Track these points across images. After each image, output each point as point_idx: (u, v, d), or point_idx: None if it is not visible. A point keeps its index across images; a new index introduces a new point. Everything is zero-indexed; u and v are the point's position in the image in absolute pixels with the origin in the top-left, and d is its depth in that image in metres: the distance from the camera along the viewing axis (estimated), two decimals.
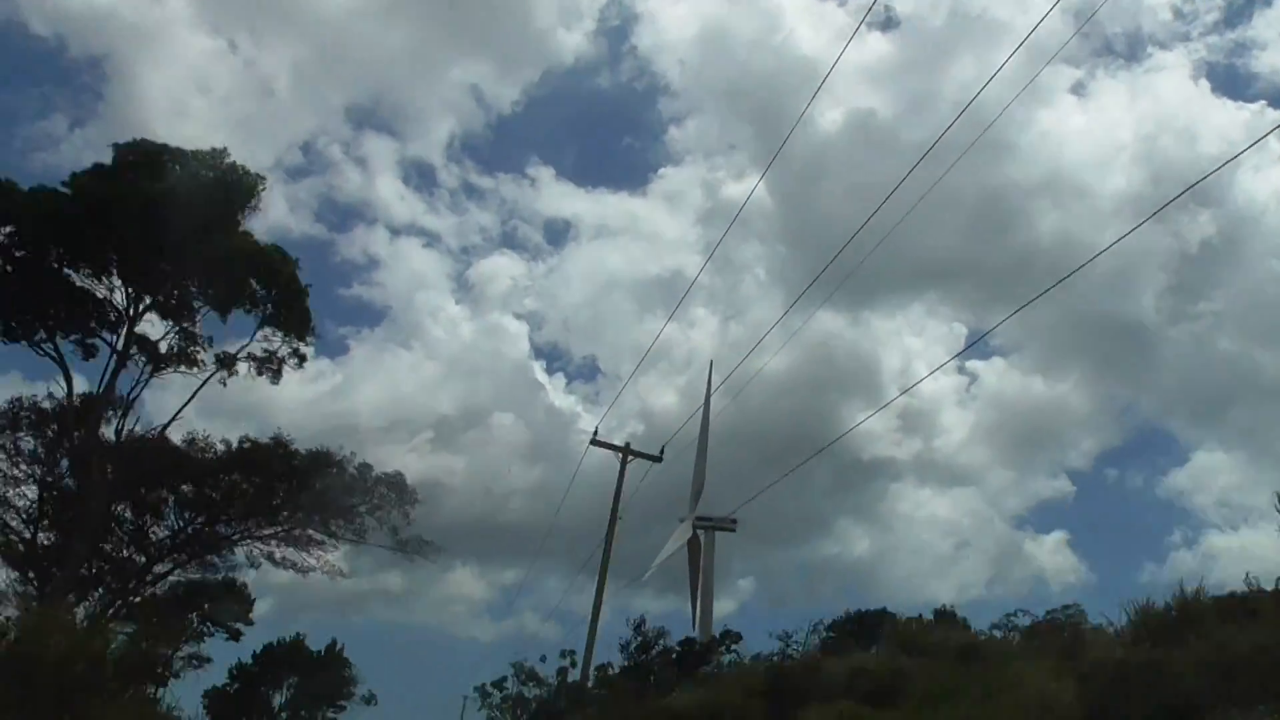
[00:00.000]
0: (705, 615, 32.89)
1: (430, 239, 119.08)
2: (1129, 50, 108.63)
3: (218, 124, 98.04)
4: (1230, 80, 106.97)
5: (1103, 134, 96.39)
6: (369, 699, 49.71)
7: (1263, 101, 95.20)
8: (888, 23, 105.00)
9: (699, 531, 34.28)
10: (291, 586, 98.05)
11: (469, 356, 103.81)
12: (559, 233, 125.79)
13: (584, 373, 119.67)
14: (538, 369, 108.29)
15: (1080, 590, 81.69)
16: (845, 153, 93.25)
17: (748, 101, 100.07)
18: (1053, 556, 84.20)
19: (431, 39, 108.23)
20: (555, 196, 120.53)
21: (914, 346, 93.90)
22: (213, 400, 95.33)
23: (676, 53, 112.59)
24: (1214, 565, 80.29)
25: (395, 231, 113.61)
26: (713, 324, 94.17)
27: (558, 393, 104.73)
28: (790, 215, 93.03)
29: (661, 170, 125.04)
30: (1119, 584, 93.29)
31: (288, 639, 47.69)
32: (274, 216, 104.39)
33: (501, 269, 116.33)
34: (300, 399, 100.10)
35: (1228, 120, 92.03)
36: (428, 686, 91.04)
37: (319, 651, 48.09)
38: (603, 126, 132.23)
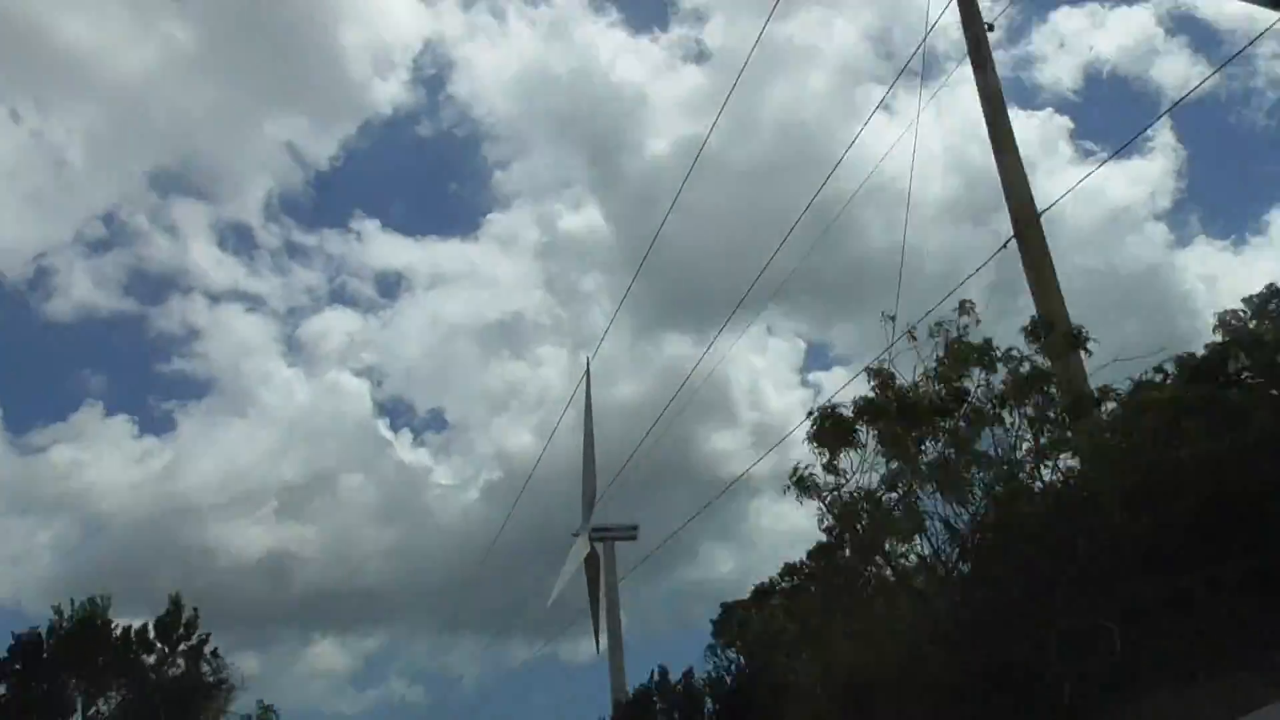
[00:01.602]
0: (613, 636, 29.91)
1: (253, 303, 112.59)
2: (926, 69, 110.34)
3: (5, 201, 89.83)
4: (1019, 92, 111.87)
5: (915, 146, 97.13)
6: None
7: (1049, 109, 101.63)
8: (700, 55, 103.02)
9: (596, 544, 31.03)
10: None
11: (308, 419, 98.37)
12: (391, 284, 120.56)
13: (431, 424, 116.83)
14: (382, 426, 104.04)
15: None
16: (677, 179, 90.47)
17: (577, 132, 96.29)
18: None
19: (239, 96, 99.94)
20: (384, 248, 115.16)
21: (758, 364, 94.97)
22: (24, 493, 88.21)
23: (496, 96, 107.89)
24: None
25: (214, 298, 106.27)
26: (562, 359, 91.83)
27: (406, 448, 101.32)
28: (630, 243, 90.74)
29: (491, 214, 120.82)
30: None
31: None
32: (77, 295, 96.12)
33: (334, 325, 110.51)
34: (125, 482, 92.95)
35: (1021, 126, 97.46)
36: None
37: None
38: (427, 175, 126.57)
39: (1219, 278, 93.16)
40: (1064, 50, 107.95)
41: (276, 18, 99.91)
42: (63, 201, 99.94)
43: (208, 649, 33.19)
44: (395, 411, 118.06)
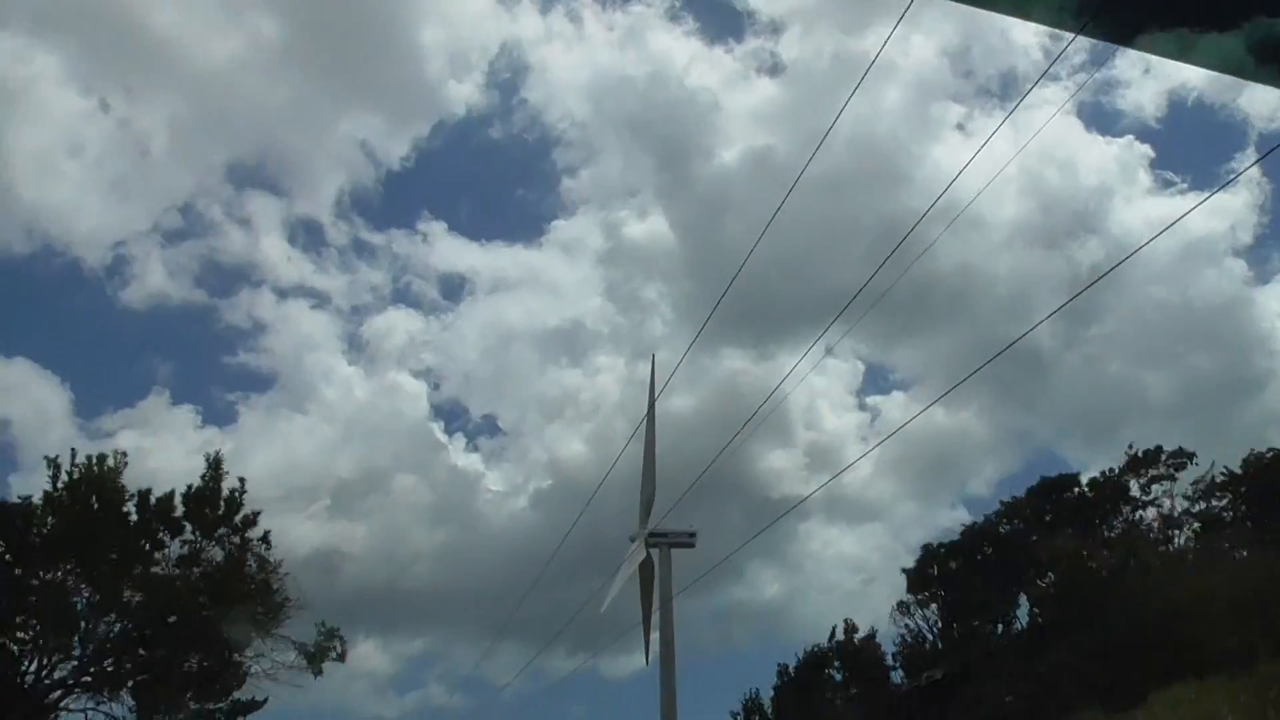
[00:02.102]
0: (665, 648, 28.66)
1: (319, 299, 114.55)
2: (1003, 89, 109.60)
3: (90, 186, 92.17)
4: (1098, 116, 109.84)
5: (990, 166, 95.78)
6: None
7: (1130, 135, 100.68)
8: (775, 68, 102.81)
9: (652, 550, 29.83)
10: None
11: (366, 418, 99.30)
12: (454, 287, 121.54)
13: (485, 430, 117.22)
14: (437, 429, 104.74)
15: None
16: (745, 189, 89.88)
17: (647, 137, 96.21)
18: None
19: (317, 93, 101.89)
20: (449, 250, 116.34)
21: (818, 385, 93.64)
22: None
23: (569, 101, 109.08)
24: None
25: (282, 294, 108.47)
26: (619, 368, 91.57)
27: (459, 452, 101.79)
28: (694, 252, 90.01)
29: (557, 221, 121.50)
30: None
31: None
32: (151, 283, 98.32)
33: (396, 325, 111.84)
34: (186, 470, 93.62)
35: (1100, 153, 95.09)
36: None
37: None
38: (496, 179, 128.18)
39: None
40: (1149, 75, 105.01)
41: (359, 15, 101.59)
42: (143, 190, 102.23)
43: (255, 534, 25.22)
44: (451, 415, 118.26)
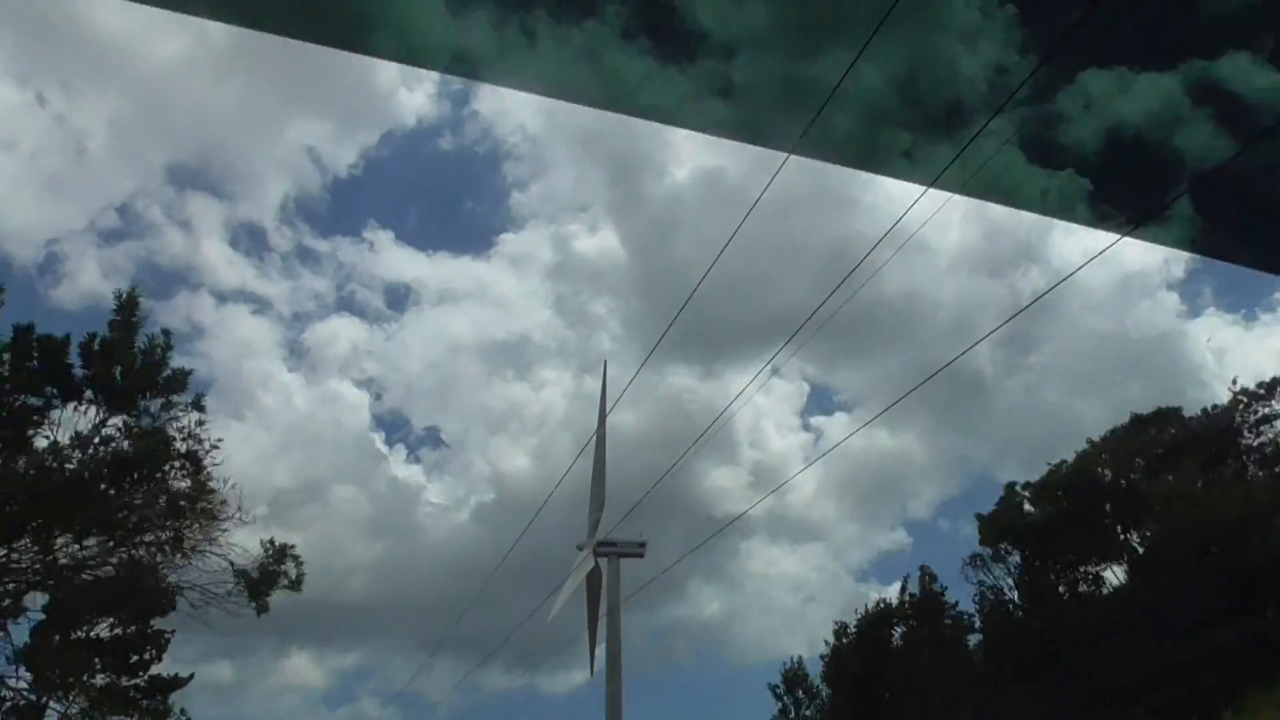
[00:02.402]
0: (612, 658, 28.76)
1: (260, 305, 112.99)
2: (948, 120, 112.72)
3: (23, 182, 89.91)
4: (1042, 149, 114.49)
5: (936, 193, 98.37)
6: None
7: (1070, 169, 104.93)
8: (726, 90, 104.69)
9: (600, 560, 29.98)
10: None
11: (305, 426, 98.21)
12: (400, 297, 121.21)
13: (427, 442, 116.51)
14: (378, 439, 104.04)
15: None
16: (696, 208, 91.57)
17: (599, 152, 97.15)
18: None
19: (265, 96, 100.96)
20: (395, 260, 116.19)
21: (763, 404, 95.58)
22: None
23: (521, 114, 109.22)
24: None
25: (221, 298, 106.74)
26: (566, 382, 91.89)
27: (400, 464, 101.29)
28: (644, 268, 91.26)
29: (505, 234, 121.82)
30: None
31: None
32: (85, 282, 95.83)
33: (339, 333, 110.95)
34: None
35: (1042, 185, 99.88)
36: None
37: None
38: (445, 190, 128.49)
39: (1228, 350, 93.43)
40: (1088, 113, 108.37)
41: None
42: (80, 189, 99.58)
43: (184, 400, 18.78)
44: (393, 425, 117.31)
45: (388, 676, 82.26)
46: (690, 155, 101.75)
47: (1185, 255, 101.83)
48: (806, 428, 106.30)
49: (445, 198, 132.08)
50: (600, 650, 30.38)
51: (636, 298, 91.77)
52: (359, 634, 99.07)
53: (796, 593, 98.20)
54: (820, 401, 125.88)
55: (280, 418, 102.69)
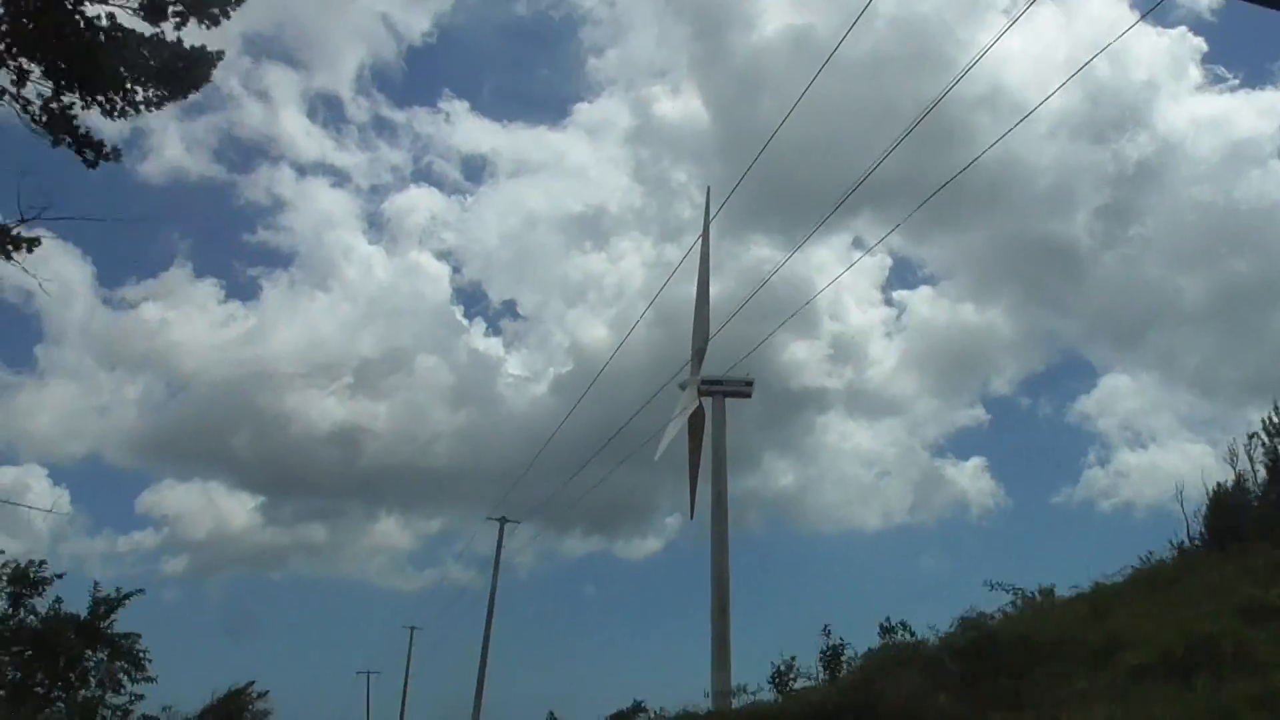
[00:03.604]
0: (718, 502, 26.38)
1: (339, 178, 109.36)
2: None
3: None
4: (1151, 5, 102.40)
5: (1039, 54, 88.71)
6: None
7: (1184, 27, 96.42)
8: None
9: (703, 400, 27.31)
10: (208, 543, 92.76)
11: (388, 298, 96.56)
12: (476, 169, 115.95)
13: (506, 314, 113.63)
14: (459, 312, 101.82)
15: (999, 513, 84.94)
16: (783, 69, 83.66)
17: (682, 4, 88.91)
18: (972, 482, 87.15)
19: None
20: (472, 131, 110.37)
21: (844, 279, 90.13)
22: (114, 343, 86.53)
23: None
24: (1124, 483, 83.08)
25: (301, 170, 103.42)
26: (646, 249, 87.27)
27: (479, 336, 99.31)
28: (727, 133, 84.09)
29: (581, 103, 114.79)
30: (1035, 505, 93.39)
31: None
32: (169, 157, 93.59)
33: (418, 204, 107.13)
34: (208, 343, 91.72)
35: (1150, 46, 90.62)
36: (344, 644, 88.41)
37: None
38: (521, 58, 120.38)
39: None
40: None
41: None
42: None
43: None
44: (472, 298, 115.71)
45: (471, 540, 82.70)
46: (777, 13, 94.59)
47: None
48: (889, 302, 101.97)
49: (521, 66, 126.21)
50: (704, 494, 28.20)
51: (719, 163, 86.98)
52: (443, 499, 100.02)
53: (871, 467, 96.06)
54: (904, 275, 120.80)
55: (362, 289, 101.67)
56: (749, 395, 27.45)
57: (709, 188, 27.85)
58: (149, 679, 23.41)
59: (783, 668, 18.58)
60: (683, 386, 27.42)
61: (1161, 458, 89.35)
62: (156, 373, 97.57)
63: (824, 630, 18.14)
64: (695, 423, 27.45)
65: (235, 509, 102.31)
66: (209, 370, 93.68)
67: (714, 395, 27.05)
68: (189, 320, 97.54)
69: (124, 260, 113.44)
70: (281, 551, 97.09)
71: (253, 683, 26.56)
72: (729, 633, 24.92)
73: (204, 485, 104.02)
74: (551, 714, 22.78)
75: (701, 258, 27.37)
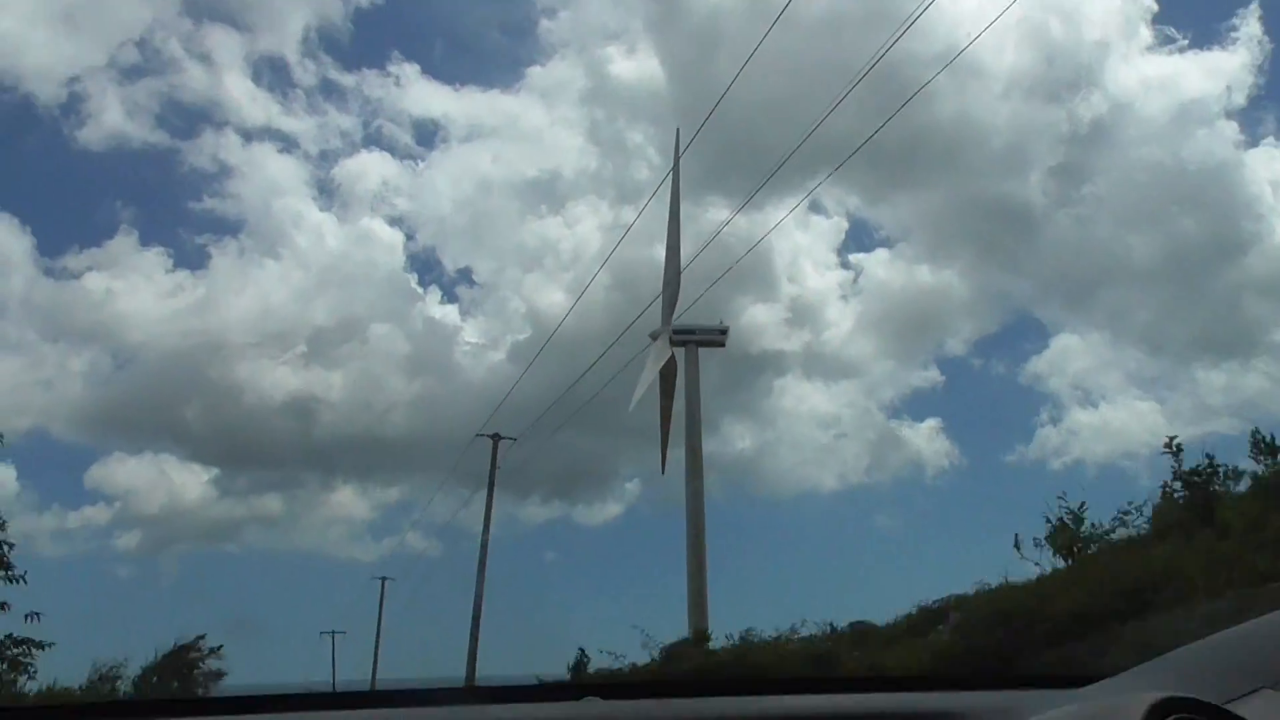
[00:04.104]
0: (693, 454, 25.47)
1: (286, 143, 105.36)
2: None
3: (36, 17, 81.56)
4: None
5: (993, 13, 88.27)
6: None
7: None
8: None
9: (677, 350, 26.28)
10: (161, 517, 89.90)
11: (340, 265, 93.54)
12: (428, 133, 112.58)
13: (461, 280, 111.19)
14: (412, 279, 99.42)
15: (953, 473, 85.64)
16: (742, 28, 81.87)
17: None
18: (928, 443, 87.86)
19: None
20: (423, 95, 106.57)
21: (801, 242, 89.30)
22: (57, 314, 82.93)
23: None
24: (1075, 440, 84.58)
25: (247, 136, 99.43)
26: (604, 212, 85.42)
27: (434, 304, 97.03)
28: (685, 93, 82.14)
29: (535, 66, 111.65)
30: (989, 464, 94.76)
31: None
32: (110, 122, 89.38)
33: (369, 169, 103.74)
34: (157, 314, 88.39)
35: (1103, 5, 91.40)
36: (303, 613, 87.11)
37: None
38: (471, 20, 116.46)
39: None
40: None
41: None
42: (96, 22, 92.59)
43: None
44: (426, 265, 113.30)
45: (428, 509, 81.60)
46: None
47: (1248, 81, 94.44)
48: (845, 265, 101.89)
49: (473, 28, 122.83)
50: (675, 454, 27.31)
51: (677, 124, 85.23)
52: (400, 468, 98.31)
53: (828, 429, 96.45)
54: (859, 238, 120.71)
55: (314, 257, 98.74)
56: (723, 344, 26.53)
57: (678, 128, 26.66)
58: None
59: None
60: (654, 336, 26.37)
61: (1112, 415, 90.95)
62: (103, 344, 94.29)
63: None
64: (667, 374, 26.45)
65: (188, 482, 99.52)
66: (157, 341, 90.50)
67: (687, 345, 26.06)
68: (135, 290, 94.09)
69: (65, 229, 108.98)
70: (237, 524, 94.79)
71: (202, 637, 25.16)
72: (706, 588, 24.17)
73: (155, 458, 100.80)
74: (582, 650, 21.72)
75: (672, 202, 26.28)
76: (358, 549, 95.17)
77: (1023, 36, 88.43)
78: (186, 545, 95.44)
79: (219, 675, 25.43)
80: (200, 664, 24.48)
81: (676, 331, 25.99)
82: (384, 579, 64.50)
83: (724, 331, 26.23)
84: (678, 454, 26.84)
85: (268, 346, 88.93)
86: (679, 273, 26.21)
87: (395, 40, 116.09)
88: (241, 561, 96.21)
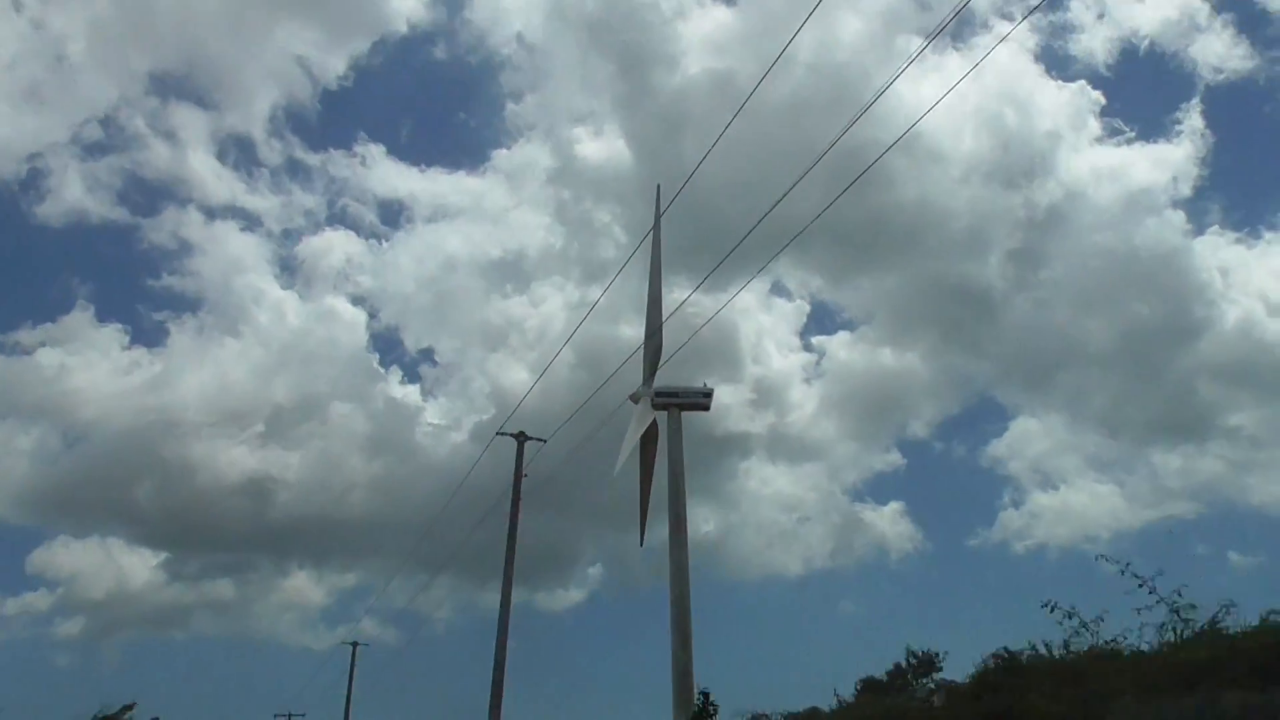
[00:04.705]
0: (676, 523, 24.06)
1: (250, 221, 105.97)
2: (959, 30, 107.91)
3: (2, 93, 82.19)
4: (1054, 60, 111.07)
5: (950, 102, 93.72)
6: None
7: (1082, 81, 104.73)
8: None
9: (658, 413, 25.14)
10: (106, 603, 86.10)
11: (301, 343, 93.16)
12: (393, 213, 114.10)
13: (424, 360, 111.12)
14: (375, 360, 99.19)
15: (917, 557, 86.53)
16: (705, 113, 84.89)
17: (606, 40, 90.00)
18: (892, 525, 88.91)
19: (251, 0, 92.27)
20: (388, 175, 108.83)
21: (764, 324, 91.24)
22: (6, 390, 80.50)
23: (518, 22, 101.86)
24: (1037, 523, 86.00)
25: (210, 213, 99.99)
26: (569, 291, 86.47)
27: (397, 384, 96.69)
28: (651, 173, 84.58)
29: (500, 150, 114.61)
30: (953, 548, 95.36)
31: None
32: (70, 198, 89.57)
33: (333, 246, 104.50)
34: (110, 390, 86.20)
35: (1052, 99, 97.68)
36: (250, 707, 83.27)
37: None
38: (439, 102, 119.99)
39: (1231, 269, 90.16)
40: (1102, 22, 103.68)
41: None
42: (60, 99, 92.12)
43: None
44: (389, 344, 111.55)
45: (386, 595, 77.89)
46: (698, 56, 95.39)
47: (1193, 173, 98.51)
48: (808, 347, 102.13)
49: (439, 110, 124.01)
50: (650, 521, 25.92)
51: (642, 204, 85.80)
52: (358, 553, 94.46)
53: (791, 512, 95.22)
54: (822, 320, 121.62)
55: (275, 334, 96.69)
56: (707, 408, 25.38)
57: (659, 185, 26.00)
58: None
59: None
60: (634, 399, 25.25)
61: (1072, 497, 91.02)
62: (53, 421, 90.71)
63: None
64: (648, 440, 25.26)
65: (136, 566, 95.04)
66: (110, 419, 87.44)
67: (669, 408, 24.92)
68: (90, 366, 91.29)
69: (19, 304, 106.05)
70: (186, 610, 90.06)
71: (130, 707, 22.58)
72: (692, 666, 22.47)
73: (102, 541, 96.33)
74: (705, 693, 20.15)
75: (653, 259, 25.46)
76: (310, 637, 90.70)
77: (980, 124, 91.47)
78: (131, 632, 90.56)
79: None
80: None
81: (659, 394, 24.90)
82: (355, 644, 60.94)
83: (708, 394, 25.15)
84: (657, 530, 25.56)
85: (224, 425, 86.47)
86: (661, 326, 25.30)
87: (362, 121, 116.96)
88: (189, 649, 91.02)
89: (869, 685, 27.95)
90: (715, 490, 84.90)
